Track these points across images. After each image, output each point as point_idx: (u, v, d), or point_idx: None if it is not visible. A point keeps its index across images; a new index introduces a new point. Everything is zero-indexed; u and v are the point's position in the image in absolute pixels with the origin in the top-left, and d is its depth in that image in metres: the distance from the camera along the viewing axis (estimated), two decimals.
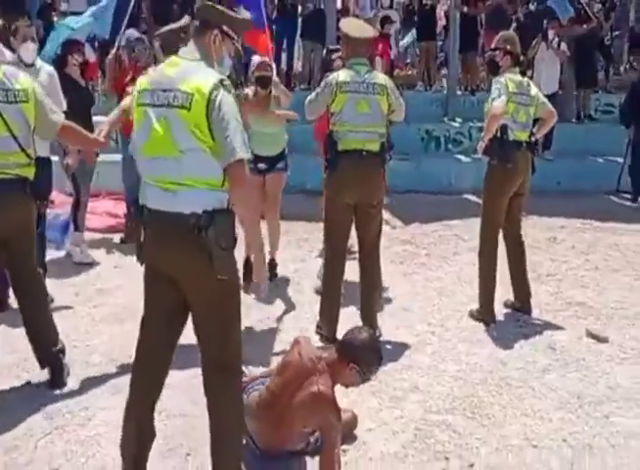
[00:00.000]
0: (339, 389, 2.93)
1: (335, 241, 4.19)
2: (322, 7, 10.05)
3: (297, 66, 11.10)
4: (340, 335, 3.61)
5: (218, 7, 2.55)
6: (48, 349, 3.53)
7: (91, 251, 5.81)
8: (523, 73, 4.71)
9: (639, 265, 5.87)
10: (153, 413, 2.60)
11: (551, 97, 8.89)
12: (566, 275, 5.66)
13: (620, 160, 8.55)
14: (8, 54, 4.45)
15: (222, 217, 2.37)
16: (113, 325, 4.34)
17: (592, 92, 9.90)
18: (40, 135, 3.44)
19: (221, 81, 2.36)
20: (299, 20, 10.45)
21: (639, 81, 7.48)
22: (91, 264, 5.57)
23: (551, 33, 8.67)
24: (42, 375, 3.56)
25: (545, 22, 8.93)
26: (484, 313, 4.57)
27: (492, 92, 4.44)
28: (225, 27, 2.51)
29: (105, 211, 6.67)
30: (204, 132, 2.33)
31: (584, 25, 9.47)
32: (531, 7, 9.93)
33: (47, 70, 4.72)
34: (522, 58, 4.69)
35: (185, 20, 4.34)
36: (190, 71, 2.40)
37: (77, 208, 5.69)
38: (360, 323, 4.00)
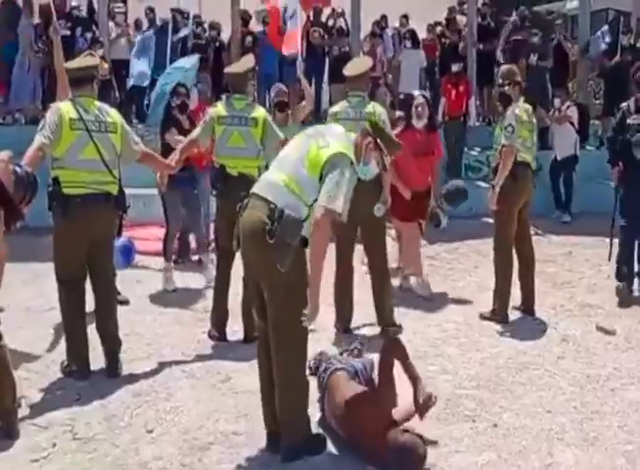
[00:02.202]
0: None
1: (340, 249, 4.77)
2: (347, 49, 10.66)
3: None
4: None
5: None
6: (113, 342, 4.11)
7: (145, 270, 6.45)
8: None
9: None
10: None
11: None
12: (579, 283, 6.18)
13: None
14: None
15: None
16: (176, 327, 4.96)
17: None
18: (124, 160, 4.17)
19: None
20: (327, 61, 11.09)
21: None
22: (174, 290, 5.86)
23: None
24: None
25: None
26: (500, 314, 5.04)
27: (506, 127, 4.88)
28: None
29: (157, 237, 7.28)
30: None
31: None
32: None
33: None
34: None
35: (250, 61, 4.98)
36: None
37: (166, 238, 6.00)
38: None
